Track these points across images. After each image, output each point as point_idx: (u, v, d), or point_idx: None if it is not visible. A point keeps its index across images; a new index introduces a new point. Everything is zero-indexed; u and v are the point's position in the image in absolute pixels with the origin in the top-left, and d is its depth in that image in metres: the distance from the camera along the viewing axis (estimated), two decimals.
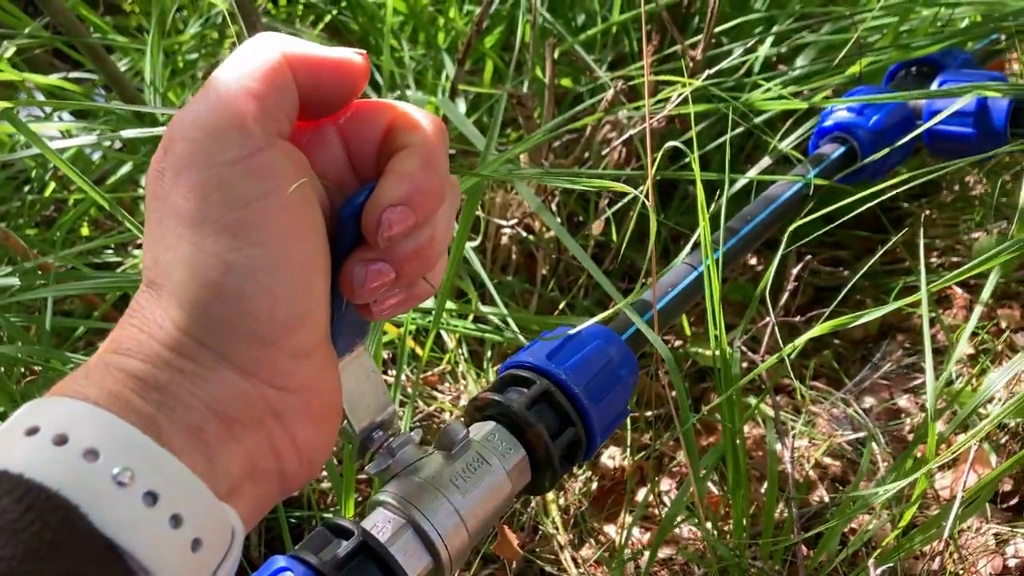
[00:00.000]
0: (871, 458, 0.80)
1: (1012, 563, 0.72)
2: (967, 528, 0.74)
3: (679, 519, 0.76)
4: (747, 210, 0.77)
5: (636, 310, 0.63)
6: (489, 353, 0.89)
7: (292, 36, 0.36)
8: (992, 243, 0.92)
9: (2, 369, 0.76)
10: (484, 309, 0.83)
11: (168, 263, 0.33)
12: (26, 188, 1.01)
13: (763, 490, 0.74)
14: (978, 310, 0.68)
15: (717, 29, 0.95)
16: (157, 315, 0.33)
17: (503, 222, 0.92)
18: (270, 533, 0.75)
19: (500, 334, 0.83)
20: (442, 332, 0.88)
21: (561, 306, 0.94)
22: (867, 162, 0.83)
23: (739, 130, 0.88)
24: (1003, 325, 0.92)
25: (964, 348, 0.88)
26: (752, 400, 0.84)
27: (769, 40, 0.99)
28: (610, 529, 0.79)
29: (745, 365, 0.84)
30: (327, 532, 0.44)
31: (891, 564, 0.66)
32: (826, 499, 0.79)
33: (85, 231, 1.02)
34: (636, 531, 0.78)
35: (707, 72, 0.77)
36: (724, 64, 0.84)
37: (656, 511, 0.80)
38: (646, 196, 0.57)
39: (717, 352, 0.65)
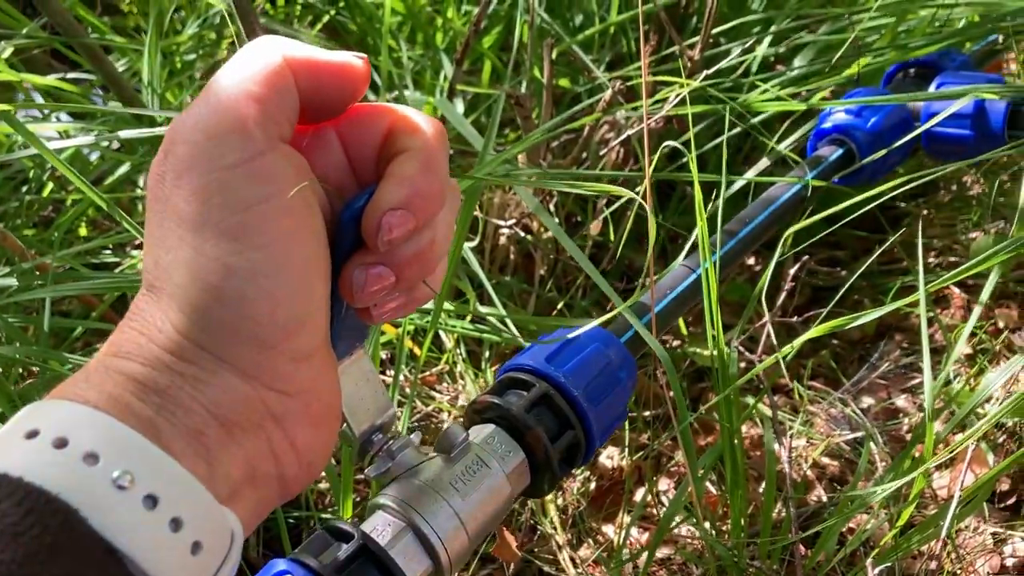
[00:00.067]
0: (869, 458, 0.81)
1: (1010, 562, 0.72)
2: (965, 528, 0.74)
3: (677, 519, 0.76)
4: (745, 212, 0.77)
5: (635, 312, 0.63)
6: (487, 353, 0.89)
7: (292, 38, 0.36)
8: (989, 243, 0.92)
9: (0, 370, 0.76)
10: (482, 309, 0.83)
11: (168, 266, 0.33)
12: (24, 188, 1.01)
13: (761, 490, 0.74)
14: (977, 310, 0.68)
15: (716, 30, 0.95)
16: (157, 318, 0.33)
17: (501, 222, 0.92)
18: (268, 533, 0.75)
19: (498, 334, 0.83)
20: (440, 332, 0.88)
21: (559, 306, 0.94)
22: (864, 163, 0.83)
23: (736, 130, 0.88)
24: (1001, 325, 0.92)
25: (962, 348, 0.88)
26: (750, 400, 0.84)
27: (767, 40, 0.99)
28: (608, 529, 0.79)
29: (743, 365, 0.84)
30: (327, 535, 0.44)
31: (889, 564, 0.66)
32: (824, 499, 0.79)
33: (83, 231, 1.02)
34: (634, 531, 0.78)
35: (705, 72, 0.77)
36: (722, 64, 0.84)
37: (654, 511, 0.80)
38: (643, 198, 0.57)
39: (715, 352, 0.65)
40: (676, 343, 0.94)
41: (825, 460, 0.83)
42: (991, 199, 0.99)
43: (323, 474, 0.78)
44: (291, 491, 0.36)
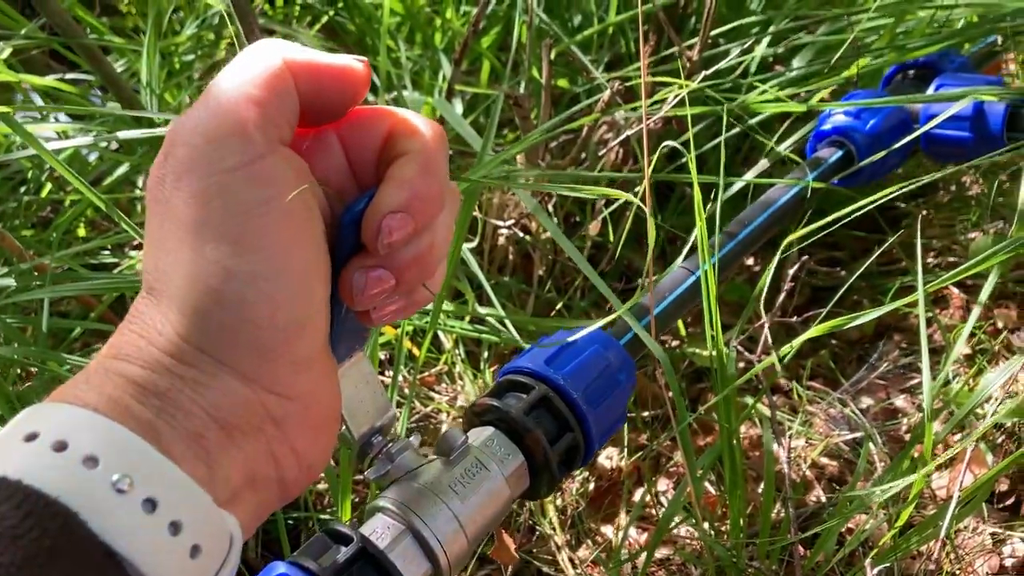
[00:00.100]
0: (868, 458, 0.81)
1: (1009, 563, 0.72)
2: (964, 528, 0.74)
3: (676, 519, 0.76)
4: (744, 214, 0.77)
5: (634, 314, 0.63)
6: (486, 354, 0.89)
7: (290, 39, 0.36)
8: (988, 243, 0.92)
9: None
10: (481, 310, 0.83)
11: (168, 269, 0.33)
12: (22, 189, 1.01)
13: (760, 490, 0.74)
14: (976, 311, 0.68)
15: (714, 32, 0.95)
16: (157, 321, 0.33)
17: (500, 223, 0.92)
18: (267, 535, 0.75)
19: (497, 335, 0.83)
20: (439, 333, 0.88)
21: (558, 307, 0.94)
22: (863, 165, 0.83)
23: (736, 131, 0.88)
24: (1000, 325, 0.92)
25: (961, 348, 0.88)
26: (749, 400, 0.84)
27: (766, 41, 0.99)
28: (607, 530, 0.79)
29: (742, 365, 0.84)
30: (326, 538, 0.44)
31: (888, 564, 0.66)
32: (823, 499, 0.79)
33: (82, 232, 1.02)
34: (633, 531, 0.78)
35: (704, 73, 0.77)
36: (721, 65, 0.84)
37: (654, 511, 0.80)
38: (642, 200, 0.57)
39: (714, 353, 0.65)
40: (675, 343, 0.94)
41: (824, 460, 0.83)
42: (990, 199, 0.99)
43: (322, 475, 0.78)
44: (290, 494, 0.36)
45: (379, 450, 0.45)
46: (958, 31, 0.99)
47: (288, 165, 0.34)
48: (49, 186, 1.01)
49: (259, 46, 0.35)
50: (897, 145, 0.80)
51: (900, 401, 0.89)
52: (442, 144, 0.38)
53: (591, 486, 0.81)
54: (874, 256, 0.76)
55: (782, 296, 0.86)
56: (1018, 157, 0.96)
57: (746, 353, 0.83)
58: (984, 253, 0.63)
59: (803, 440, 0.84)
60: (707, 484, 0.79)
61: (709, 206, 0.71)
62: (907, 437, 0.84)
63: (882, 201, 0.65)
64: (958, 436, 0.81)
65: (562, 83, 1.06)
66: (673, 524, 0.76)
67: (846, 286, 0.76)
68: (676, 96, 0.74)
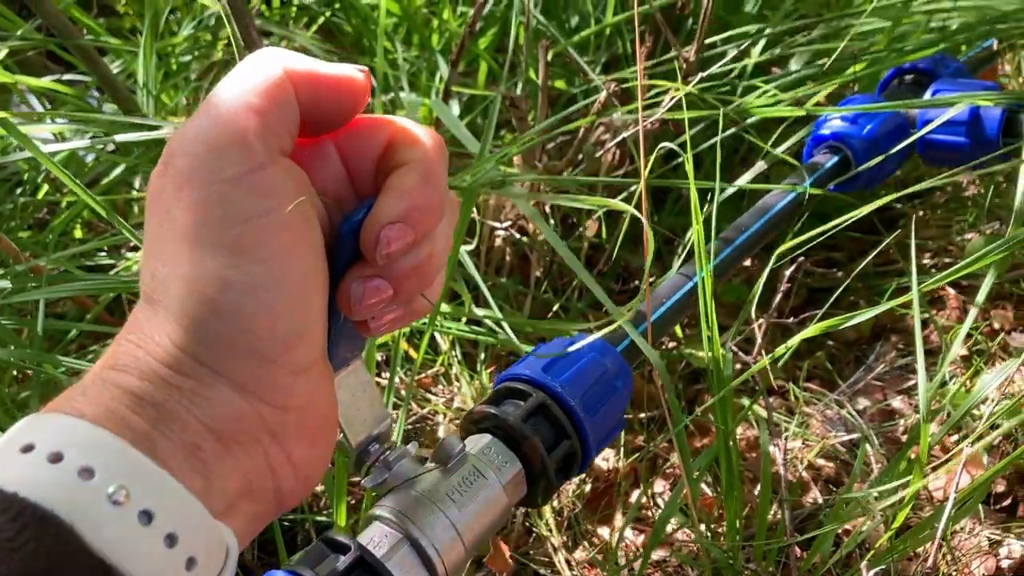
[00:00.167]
0: (865, 460, 0.81)
1: (1005, 564, 0.72)
2: (960, 529, 0.74)
3: (673, 521, 0.76)
4: (741, 220, 0.77)
5: (631, 320, 0.63)
6: (483, 355, 0.89)
7: (289, 44, 0.36)
8: (984, 244, 0.92)
9: None
10: (478, 311, 0.83)
11: (166, 279, 0.33)
12: (19, 190, 1.01)
13: (757, 492, 0.74)
14: (972, 312, 0.68)
15: (712, 39, 0.95)
16: (154, 331, 0.33)
17: (497, 224, 0.92)
18: (263, 536, 0.75)
19: (494, 336, 0.83)
20: (436, 334, 0.88)
21: (555, 308, 0.94)
22: (860, 170, 0.83)
23: (732, 131, 0.88)
24: (996, 326, 0.92)
25: (958, 350, 0.88)
26: (746, 401, 0.84)
27: (762, 43, 0.99)
28: (604, 531, 0.79)
29: (738, 367, 0.84)
30: (324, 547, 0.44)
31: (884, 566, 0.66)
32: (820, 501, 0.79)
33: (78, 233, 1.02)
34: (631, 533, 0.78)
35: (700, 75, 0.77)
36: (717, 67, 0.84)
37: (650, 513, 0.80)
38: (639, 205, 0.57)
39: (711, 355, 0.65)
40: (672, 344, 0.94)
41: (821, 462, 0.83)
42: (986, 201, 0.99)
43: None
44: (287, 504, 0.36)
45: (376, 458, 0.44)
46: (954, 32, 0.99)
47: (288, 175, 0.34)
48: (46, 187, 1.01)
49: (260, 55, 0.35)
50: (894, 151, 0.80)
51: (897, 402, 0.89)
52: (441, 154, 0.38)
53: (588, 488, 0.81)
54: (870, 257, 0.76)
55: (778, 297, 0.86)
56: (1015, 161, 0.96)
57: (742, 354, 0.83)
58: (978, 253, 0.63)
59: (800, 441, 0.84)
60: (703, 486, 0.79)
61: (706, 208, 0.71)
62: (904, 438, 0.84)
63: (879, 204, 0.65)
64: (955, 437, 0.81)
65: (559, 84, 1.06)
66: (674, 530, 0.76)
67: (843, 287, 0.76)
68: (672, 99, 0.74)
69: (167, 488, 0.30)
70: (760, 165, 0.87)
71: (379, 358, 0.89)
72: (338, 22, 1.17)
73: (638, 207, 0.59)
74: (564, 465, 0.53)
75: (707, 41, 0.91)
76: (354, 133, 0.38)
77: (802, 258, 0.91)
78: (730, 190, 0.84)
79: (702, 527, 0.70)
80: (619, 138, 0.89)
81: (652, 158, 0.71)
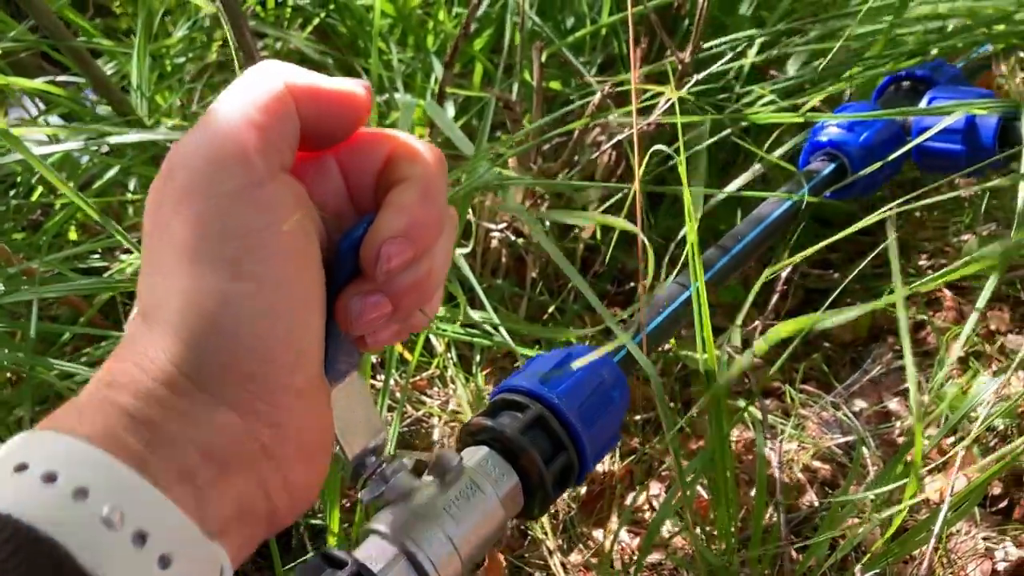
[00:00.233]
0: (861, 462, 0.80)
1: (1001, 567, 0.72)
2: (956, 532, 0.74)
3: (668, 524, 0.76)
4: (738, 228, 0.77)
5: (628, 330, 0.63)
6: (478, 357, 0.89)
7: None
8: (979, 246, 0.92)
9: None
10: (473, 314, 0.83)
11: (164, 295, 0.33)
12: (12, 192, 1.00)
13: (752, 494, 0.74)
14: (973, 316, 0.68)
15: (711, 43, 0.94)
16: (152, 349, 0.33)
17: (492, 226, 0.91)
18: None
19: (489, 339, 0.83)
20: (431, 337, 0.87)
21: (551, 310, 0.93)
22: (856, 177, 0.83)
23: (726, 133, 0.88)
24: (993, 327, 0.92)
25: (955, 352, 0.88)
26: (741, 403, 0.84)
27: (757, 44, 0.98)
28: (599, 534, 0.78)
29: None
30: (321, 562, 0.44)
31: (880, 569, 0.66)
32: (816, 503, 0.79)
33: (73, 235, 1.02)
34: (626, 536, 0.78)
35: (695, 78, 0.77)
36: (714, 68, 0.84)
37: (646, 516, 0.79)
38: (633, 207, 0.57)
39: (705, 356, 0.65)
40: (667, 346, 0.94)
41: (817, 464, 0.83)
42: (983, 202, 0.99)
43: None
44: (281, 524, 0.35)
45: (372, 471, 0.44)
46: (950, 34, 0.99)
47: (288, 191, 0.34)
48: (40, 189, 1.01)
49: (261, 68, 0.35)
50: (889, 159, 0.81)
51: (893, 404, 0.89)
52: (442, 169, 0.37)
53: (583, 490, 0.81)
54: (868, 259, 0.76)
55: (775, 299, 0.85)
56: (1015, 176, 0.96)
57: (737, 357, 0.82)
58: (969, 256, 0.63)
59: (796, 444, 0.84)
60: (699, 488, 0.78)
61: (703, 207, 0.71)
62: (900, 441, 0.84)
63: (877, 205, 0.65)
64: (951, 439, 0.81)
65: (555, 85, 1.06)
66: (672, 535, 0.75)
67: (840, 289, 0.76)
68: (667, 101, 0.74)
69: (161, 509, 0.29)
70: (752, 171, 0.87)
71: (374, 360, 0.89)
72: (333, 23, 1.16)
73: (633, 211, 0.59)
74: (561, 478, 0.53)
75: (703, 43, 0.90)
76: (354, 147, 0.38)
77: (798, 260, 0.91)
78: (720, 196, 0.84)
79: (697, 530, 0.70)
80: (615, 140, 0.89)
81: (647, 160, 0.70)
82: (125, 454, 0.30)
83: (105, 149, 1.00)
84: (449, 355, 0.88)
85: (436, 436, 0.85)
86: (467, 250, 0.92)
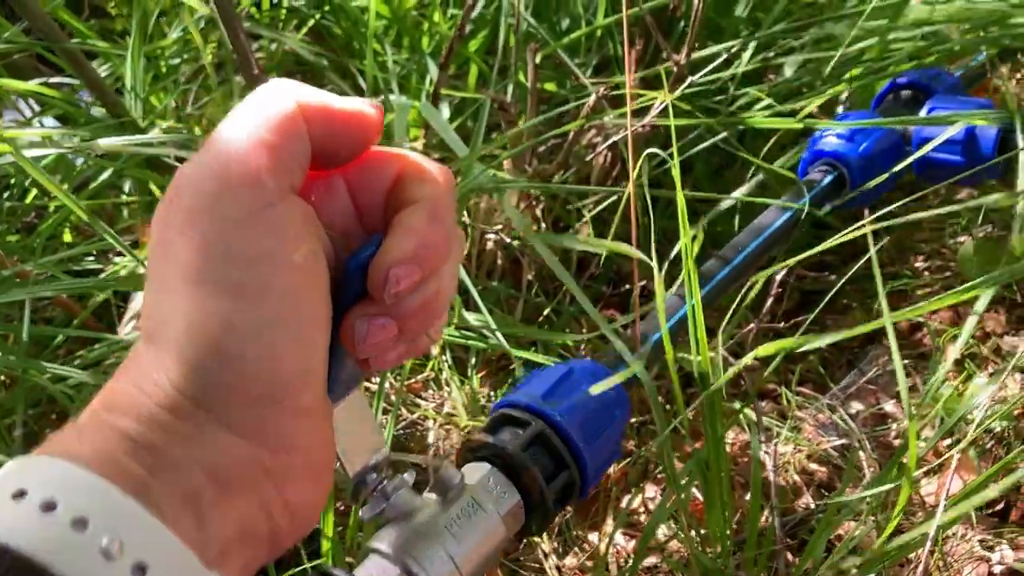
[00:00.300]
0: (857, 464, 0.80)
1: (997, 570, 0.72)
2: (952, 535, 0.74)
3: (663, 527, 0.75)
4: (738, 239, 0.78)
5: (628, 343, 0.63)
6: (473, 360, 0.89)
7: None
8: (976, 248, 0.92)
9: None
10: (468, 316, 0.83)
11: (168, 318, 0.32)
12: (6, 194, 1.00)
13: (748, 497, 0.74)
14: (972, 320, 0.67)
15: (705, 50, 0.94)
16: (154, 372, 0.32)
17: (488, 228, 0.91)
18: None
19: (485, 341, 0.83)
20: None
21: (546, 312, 0.93)
22: (856, 194, 0.83)
23: (722, 135, 0.88)
24: (989, 329, 0.92)
25: (951, 356, 0.88)
26: (737, 406, 0.84)
27: (753, 46, 0.98)
28: (595, 537, 0.78)
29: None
30: None
31: (875, 572, 0.66)
32: (812, 506, 0.78)
33: (67, 237, 1.02)
34: (621, 539, 0.78)
35: (689, 80, 0.76)
36: (707, 71, 0.83)
37: (642, 519, 0.79)
38: (628, 208, 0.56)
39: (700, 361, 0.64)
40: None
41: (813, 466, 0.83)
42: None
43: None
44: (282, 547, 0.35)
45: (373, 488, 0.43)
46: (945, 38, 0.98)
47: (297, 212, 0.33)
48: (34, 192, 1.00)
49: (272, 87, 0.34)
50: (890, 172, 0.81)
51: (890, 406, 0.88)
52: (451, 189, 0.37)
53: None
54: (863, 260, 0.76)
55: (770, 301, 0.85)
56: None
57: (732, 359, 0.82)
58: (964, 258, 0.62)
59: (792, 446, 0.84)
60: (695, 491, 0.78)
61: (698, 226, 0.71)
62: (896, 443, 0.84)
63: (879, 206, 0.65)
64: (947, 442, 0.81)
65: (549, 86, 1.06)
66: (668, 539, 0.75)
67: (834, 291, 0.75)
68: (661, 104, 0.74)
69: (161, 540, 0.29)
70: (751, 184, 0.87)
71: None
72: (328, 25, 1.16)
73: (627, 212, 0.58)
74: (562, 495, 0.53)
75: (698, 45, 0.90)
76: (363, 166, 0.37)
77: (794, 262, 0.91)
78: (719, 208, 0.84)
79: (692, 533, 0.70)
80: (609, 142, 0.89)
81: (642, 159, 0.70)
82: (126, 480, 0.29)
83: (100, 151, 1.00)
84: (444, 358, 0.88)
85: (431, 439, 0.85)
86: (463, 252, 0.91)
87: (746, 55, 0.96)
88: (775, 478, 0.74)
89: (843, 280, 0.78)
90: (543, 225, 0.95)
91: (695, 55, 0.90)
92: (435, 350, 0.88)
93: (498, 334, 0.82)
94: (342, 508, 0.77)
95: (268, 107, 0.33)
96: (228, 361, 0.32)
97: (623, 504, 0.80)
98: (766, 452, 0.78)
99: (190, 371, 0.32)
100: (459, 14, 1.08)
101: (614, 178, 0.97)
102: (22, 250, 0.91)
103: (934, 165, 0.87)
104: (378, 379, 0.76)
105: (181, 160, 0.91)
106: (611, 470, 0.82)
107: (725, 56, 0.90)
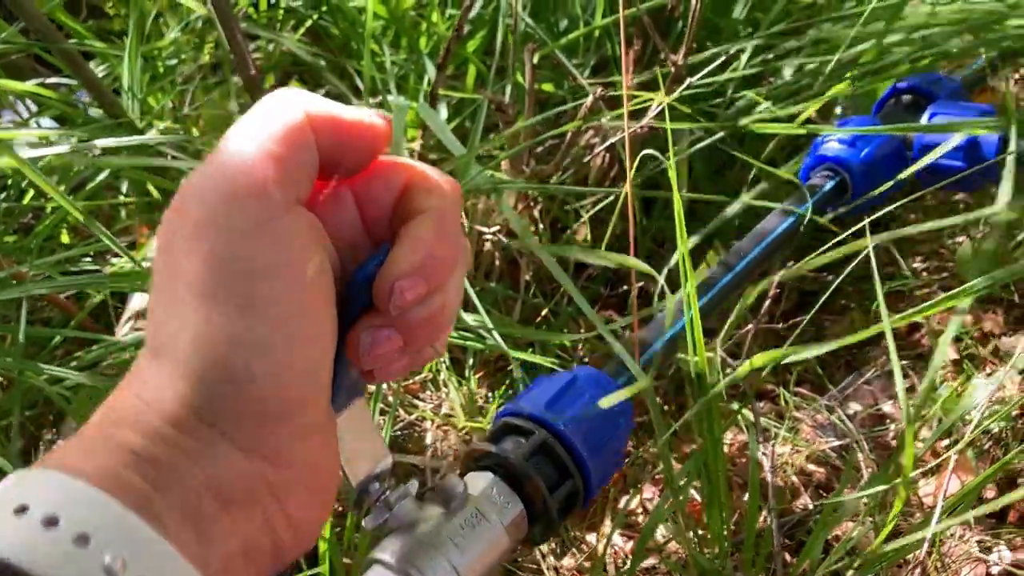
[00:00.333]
0: (855, 465, 0.80)
1: (995, 570, 0.72)
2: (950, 536, 0.74)
3: (662, 528, 0.75)
4: (740, 245, 0.78)
5: (630, 350, 0.63)
6: (471, 361, 0.89)
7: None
8: (973, 249, 0.92)
9: None
10: (466, 317, 0.83)
11: (174, 332, 0.32)
12: (3, 195, 1.00)
13: (746, 498, 0.74)
14: (956, 320, 0.67)
15: (704, 50, 0.94)
16: (158, 386, 0.32)
17: (485, 229, 0.91)
18: None
19: (482, 342, 0.83)
20: None
21: (544, 312, 0.93)
22: (858, 203, 0.84)
23: (719, 136, 0.88)
24: (987, 329, 0.92)
25: (948, 356, 0.88)
26: (735, 407, 0.84)
27: (751, 47, 0.98)
28: (592, 538, 0.78)
29: (728, 371, 0.84)
30: None
31: (873, 573, 0.66)
32: (810, 506, 0.78)
33: (65, 238, 1.01)
34: (619, 540, 0.78)
35: (688, 82, 0.76)
36: (705, 72, 0.83)
37: (639, 519, 0.79)
38: (624, 209, 0.56)
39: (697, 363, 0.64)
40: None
41: (811, 467, 0.83)
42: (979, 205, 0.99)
43: None
44: (285, 562, 0.35)
45: (376, 497, 0.43)
46: (947, 37, 0.98)
47: (303, 224, 0.33)
48: (31, 192, 1.00)
49: (279, 96, 0.34)
50: (893, 182, 0.81)
51: (888, 407, 0.88)
52: (458, 201, 0.37)
53: None
54: (858, 259, 0.76)
55: (768, 301, 0.85)
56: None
57: (730, 360, 0.82)
58: (962, 258, 0.62)
59: (790, 447, 0.84)
60: (693, 491, 0.78)
61: (695, 239, 0.71)
62: (894, 443, 0.84)
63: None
64: (946, 442, 0.81)
65: (547, 87, 1.06)
66: (666, 541, 0.75)
67: (831, 290, 0.75)
68: (659, 105, 0.74)
69: (163, 556, 0.29)
70: (750, 195, 0.87)
71: None
72: (325, 25, 1.16)
73: (624, 213, 0.58)
74: (566, 504, 0.53)
75: (696, 46, 0.90)
76: (370, 176, 0.37)
77: (792, 261, 0.90)
78: (718, 222, 0.84)
79: (690, 534, 0.69)
80: (607, 143, 0.89)
81: (640, 163, 0.70)
82: (129, 495, 0.29)
83: (97, 152, 1.00)
84: (442, 359, 0.88)
85: (429, 440, 0.85)
86: None
87: (744, 56, 0.96)
88: (773, 479, 0.74)
89: (839, 279, 0.78)
90: (541, 226, 0.95)
91: (693, 58, 0.90)
92: None
93: (496, 335, 0.82)
94: (340, 509, 0.77)
95: (276, 117, 0.33)
96: (234, 376, 0.32)
97: (621, 505, 0.80)
98: (764, 453, 0.78)
99: (196, 385, 0.32)
100: (457, 14, 1.08)
101: (612, 179, 0.97)
102: (19, 251, 0.91)
103: (936, 170, 0.87)
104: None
105: (178, 162, 0.91)
106: None
107: (723, 58, 0.90)
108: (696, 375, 0.65)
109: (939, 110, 0.88)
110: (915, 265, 1.01)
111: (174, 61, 1.13)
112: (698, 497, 0.78)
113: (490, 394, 0.88)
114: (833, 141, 0.87)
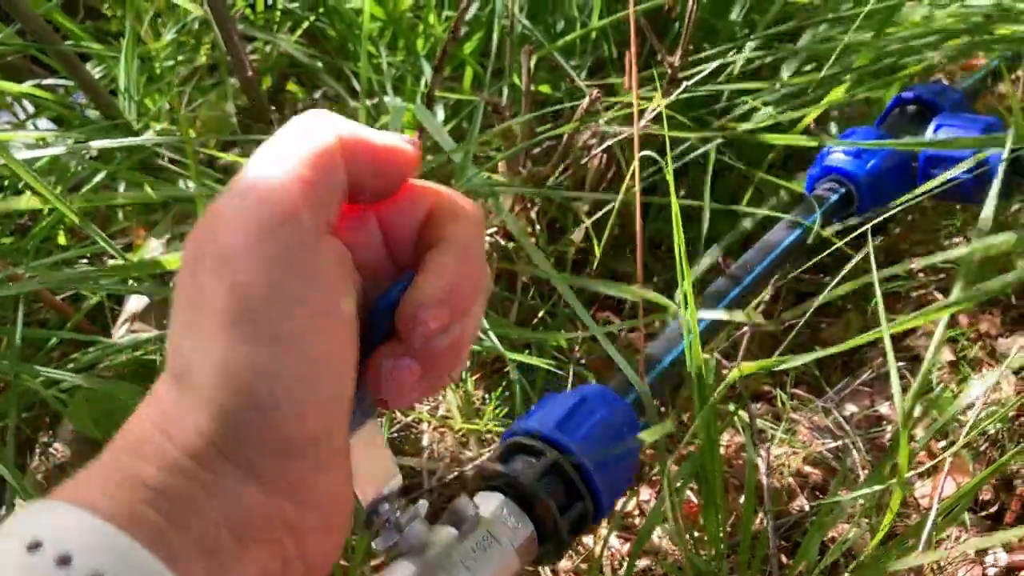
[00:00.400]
0: (851, 466, 0.80)
1: (991, 572, 0.72)
2: (946, 537, 0.74)
3: (659, 530, 0.75)
4: (747, 256, 0.78)
5: (636, 368, 0.63)
6: (468, 362, 0.89)
7: (343, 117, 0.34)
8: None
9: None
10: None
11: (198, 360, 0.31)
12: (0, 196, 1.00)
13: (743, 499, 0.74)
14: (944, 318, 0.67)
15: (701, 52, 0.94)
16: (179, 416, 0.31)
17: None
18: None
19: (479, 343, 0.83)
20: None
21: (541, 314, 0.93)
22: (865, 217, 0.84)
23: (717, 141, 0.88)
24: (983, 330, 0.92)
25: (945, 356, 0.88)
26: (732, 408, 0.84)
27: (748, 49, 0.98)
28: (589, 539, 0.78)
29: (724, 372, 0.84)
30: None
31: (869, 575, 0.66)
32: (806, 508, 0.78)
33: (62, 240, 1.01)
34: (616, 542, 0.78)
35: (684, 85, 0.76)
36: (704, 75, 0.83)
37: (636, 521, 0.79)
38: (622, 211, 0.56)
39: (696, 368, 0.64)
40: None
41: (808, 469, 0.83)
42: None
43: None
44: None
45: (386, 519, 0.42)
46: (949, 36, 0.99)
47: (332, 253, 0.33)
48: (28, 193, 1.00)
49: (311, 119, 0.33)
50: (897, 198, 0.81)
51: (884, 408, 0.88)
52: (481, 228, 0.37)
53: None
54: (856, 258, 0.76)
55: (764, 303, 0.85)
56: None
57: (726, 361, 0.82)
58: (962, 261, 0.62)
59: (786, 448, 0.84)
60: (689, 493, 0.78)
61: (696, 264, 0.71)
62: (891, 445, 0.84)
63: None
64: (942, 443, 0.81)
65: (544, 89, 1.06)
66: (656, 536, 0.75)
67: (827, 290, 0.75)
68: (655, 109, 0.74)
69: None
70: (754, 220, 0.87)
71: None
72: (322, 27, 1.16)
73: (622, 215, 0.58)
74: (576, 525, 0.53)
75: (692, 46, 0.90)
76: (395, 201, 0.36)
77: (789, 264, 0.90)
78: (725, 241, 0.84)
79: (687, 536, 0.69)
80: (605, 144, 0.89)
81: (636, 167, 0.70)
82: (144, 530, 0.28)
83: (94, 153, 1.00)
84: None
85: (425, 442, 0.85)
86: None
87: (741, 58, 0.96)
88: (769, 481, 0.74)
89: (836, 280, 0.78)
90: (538, 227, 0.95)
91: (691, 60, 0.90)
92: None
93: (493, 336, 0.82)
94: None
95: (306, 140, 0.33)
96: (259, 403, 0.31)
97: (618, 507, 0.80)
98: (760, 455, 0.78)
99: (217, 415, 0.31)
100: (454, 16, 1.08)
101: (609, 180, 0.97)
102: (15, 253, 0.91)
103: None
104: None
105: (175, 162, 0.91)
106: None
107: (720, 61, 0.90)
108: (697, 382, 0.65)
109: (944, 121, 0.88)
110: (913, 265, 1.01)
111: (171, 63, 1.13)
112: (695, 499, 0.78)
113: (487, 396, 0.88)
114: (839, 152, 0.87)
